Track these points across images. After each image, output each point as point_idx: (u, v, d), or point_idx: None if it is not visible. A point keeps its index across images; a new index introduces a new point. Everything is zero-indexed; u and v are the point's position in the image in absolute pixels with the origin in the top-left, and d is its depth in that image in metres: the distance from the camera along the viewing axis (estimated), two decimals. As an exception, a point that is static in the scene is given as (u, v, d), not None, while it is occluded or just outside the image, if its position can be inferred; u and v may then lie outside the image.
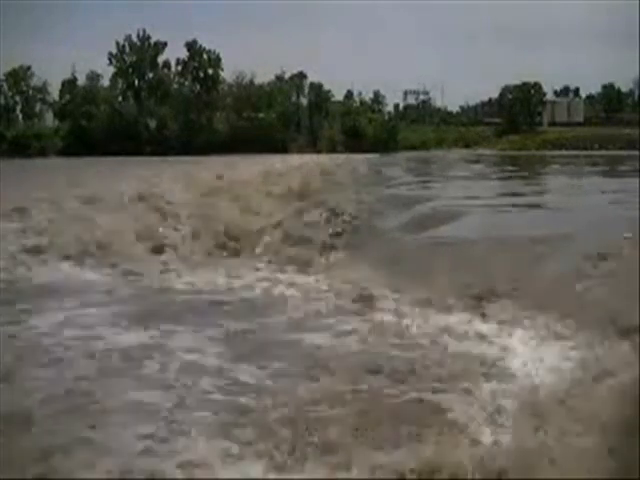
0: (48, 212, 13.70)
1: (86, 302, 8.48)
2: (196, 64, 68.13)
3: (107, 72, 68.47)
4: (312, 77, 75.10)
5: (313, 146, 62.96)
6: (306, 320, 7.63)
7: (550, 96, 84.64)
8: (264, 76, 70.75)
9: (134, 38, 67.56)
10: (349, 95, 79.19)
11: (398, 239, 11.21)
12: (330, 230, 12.33)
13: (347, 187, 19.44)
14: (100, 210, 13.75)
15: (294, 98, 73.49)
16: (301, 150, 57.94)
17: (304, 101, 73.88)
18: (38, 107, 70.25)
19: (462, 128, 78.88)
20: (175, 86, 69.51)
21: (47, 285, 9.60)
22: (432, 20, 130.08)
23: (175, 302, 8.68)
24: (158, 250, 12.35)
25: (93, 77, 69.32)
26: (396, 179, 23.71)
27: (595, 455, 3.81)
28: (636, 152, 43.62)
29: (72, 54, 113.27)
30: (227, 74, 68.92)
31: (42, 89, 69.32)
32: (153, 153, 54.11)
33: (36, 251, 11.23)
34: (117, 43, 67.37)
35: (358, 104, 76.75)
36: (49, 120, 68.99)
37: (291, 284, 9.57)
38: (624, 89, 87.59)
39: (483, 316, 7.29)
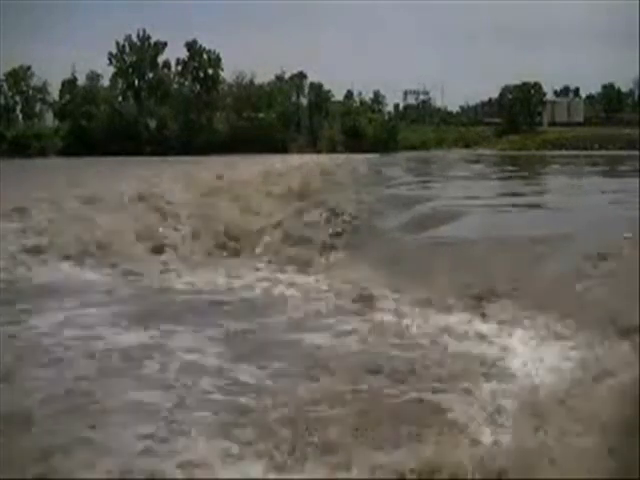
0: (48, 212, 13.70)
1: (86, 302, 8.48)
2: (196, 64, 68.11)
3: (107, 72, 68.69)
4: (312, 77, 75.31)
5: (313, 146, 62.94)
6: (306, 320, 7.62)
7: (550, 96, 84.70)
8: (264, 76, 70.95)
9: (134, 38, 67.67)
10: (349, 95, 79.27)
11: (398, 239, 11.20)
12: (330, 230, 12.32)
13: (347, 187, 19.43)
14: (100, 210, 13.74)
15: (294, 98, 73.47)
16: (301, 150, 57.92)
17: (304, 101, 73.88)
18: (38, 107, 70.26)
19: (462, 128, 78.86)
20: (175, 86, 69.50)
21: (47, 285, 9.59)
22: (432, 20, 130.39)
23: (175, 302, 8.68)
24: (158, 250, 12.34)
25: (93, 77, 69.39)
26: (396, 179, 23.70)
27: (595, 455, 3.81)
28: (636, 152, 43.61)
29: (72, 54, 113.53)
30: (227, 74, 69.10)
31: (42, 89, 69.35)
32: (153, 153, 54.09)
33: (36, 251, 11.23)
34: (117, 43, 67.53)
35: (358, 104, 76.74)
36: (49, 120, 69.00)
37: (291, 284, 9.57)
38: (624, 89, 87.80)
39: (483, 316, 7.29)
